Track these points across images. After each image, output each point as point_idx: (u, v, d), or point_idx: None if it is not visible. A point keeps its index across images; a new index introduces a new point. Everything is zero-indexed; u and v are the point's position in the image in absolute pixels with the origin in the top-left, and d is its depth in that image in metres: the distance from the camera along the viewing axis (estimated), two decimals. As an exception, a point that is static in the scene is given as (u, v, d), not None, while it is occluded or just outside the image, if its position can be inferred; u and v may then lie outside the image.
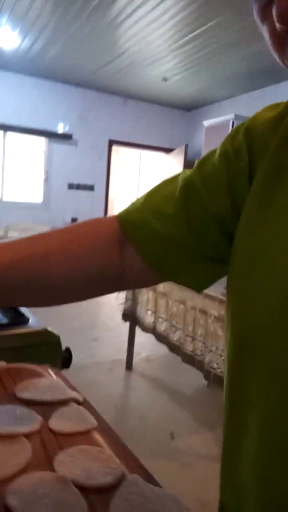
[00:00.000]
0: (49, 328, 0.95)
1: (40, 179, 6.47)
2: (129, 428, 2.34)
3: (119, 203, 8.61)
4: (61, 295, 0.50)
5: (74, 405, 0.65)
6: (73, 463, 0.50)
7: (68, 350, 0.98)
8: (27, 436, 0.56)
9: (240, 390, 0.41)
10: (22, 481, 0.46)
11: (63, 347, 0.99)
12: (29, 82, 6.09)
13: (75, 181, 6.62)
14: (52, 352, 0.92)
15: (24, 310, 1.04)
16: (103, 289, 0.52)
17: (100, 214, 6.89)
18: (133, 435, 2.25)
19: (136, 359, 3.15)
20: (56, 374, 0.78)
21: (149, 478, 0.52)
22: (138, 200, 0.52)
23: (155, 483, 0.51)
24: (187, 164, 7.04)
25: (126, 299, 2.97)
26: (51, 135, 6.35)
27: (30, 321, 0.99)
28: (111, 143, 6.93)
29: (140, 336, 3.05)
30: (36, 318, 1.02)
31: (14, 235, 5.27)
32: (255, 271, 0.39)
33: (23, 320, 0.98)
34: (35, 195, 6.48)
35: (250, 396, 0.39)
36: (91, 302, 0.53)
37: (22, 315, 1.00)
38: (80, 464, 0.50)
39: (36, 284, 0.47)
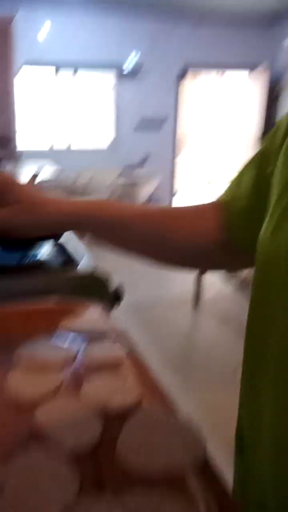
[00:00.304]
0: (98, 269, 1.01)
1: (108, 120, 6.42)
2: (195, 362, 2.45)
3: (192, 138, 8.30)
4: (171, 257, 0.59)
5: (109, 339, 0.71)
6: (96, 391, 0.56)
7: (117, 290, 1.04)
8: (61, 366, 0.62)
9: (261, 325, 0.43)
10: (50, 404, 0.53)
11: (116, 286, 1.04)
12: (94, 13, 5.82)
13: (145, 117, 6.45)
14: (101, 291, 0.98)
15: (76, 251, 1.11)
16: (206, 264, 0.62)
17: (171, 152, 6.74)
18: (198, 369, 2.36)
19: (203, 297, 3.20)
20: (100, 311, 0.83)
21: (171, 409, 0.56)
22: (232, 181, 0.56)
23: (175, 413, 0.55)
24: (271, 85, 6.48)
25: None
26: (121, 68, 6.14)
27: (82, 262, 1.05)
28: (186, 67, 6.52)
29: (208, 275, 3.08)
30: (87, 259, 1.08)
31: (84, 181, 5.40)
32: (276, 211, 0.41)
33: (75, 261, 1.05)
34: (103, 137, 6.47)
35: (270, 328, 0.41)
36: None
37: (73, 256, 1.07)
38: (103, 392, 0.56)
39: (157, 237, 0.55)
